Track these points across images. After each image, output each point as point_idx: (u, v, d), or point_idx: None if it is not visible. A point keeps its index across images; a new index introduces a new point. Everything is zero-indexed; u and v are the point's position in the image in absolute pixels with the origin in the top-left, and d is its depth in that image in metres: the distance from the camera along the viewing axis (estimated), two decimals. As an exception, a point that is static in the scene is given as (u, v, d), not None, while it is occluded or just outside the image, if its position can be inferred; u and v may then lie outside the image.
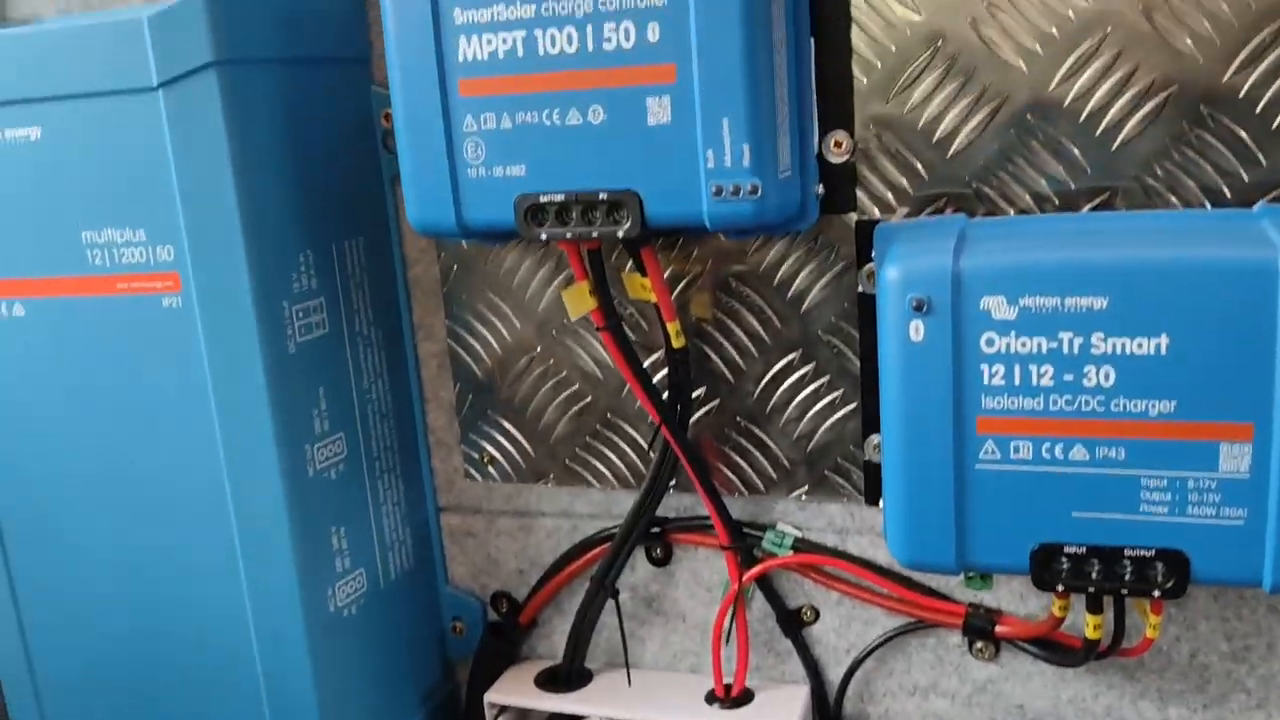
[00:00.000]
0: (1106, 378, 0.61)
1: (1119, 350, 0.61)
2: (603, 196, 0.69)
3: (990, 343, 0.63)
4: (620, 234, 0.69)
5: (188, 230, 0.74)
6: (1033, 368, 0.63)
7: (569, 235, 0.70)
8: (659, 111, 0.67)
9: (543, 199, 0.70)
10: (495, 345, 0.86)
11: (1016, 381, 0.63)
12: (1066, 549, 0.64)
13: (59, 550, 0.83)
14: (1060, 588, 0.65)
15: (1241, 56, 0.65)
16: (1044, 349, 0.62)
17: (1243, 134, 0.66)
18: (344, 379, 0.82)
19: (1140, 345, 0.61)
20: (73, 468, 0.81)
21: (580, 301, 0.76)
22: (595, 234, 0.70)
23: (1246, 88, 0.66)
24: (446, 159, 0.71)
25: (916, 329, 0.64)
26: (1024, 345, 0.62)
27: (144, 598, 0.82)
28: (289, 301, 0.77)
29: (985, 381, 0.63)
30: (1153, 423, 0.61)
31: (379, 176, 0.85)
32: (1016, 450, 0.64)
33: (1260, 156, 0.66)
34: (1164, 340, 0.60)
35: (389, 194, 0.86)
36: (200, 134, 0.72)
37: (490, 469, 0.89)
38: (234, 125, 0.72)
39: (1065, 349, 0.62)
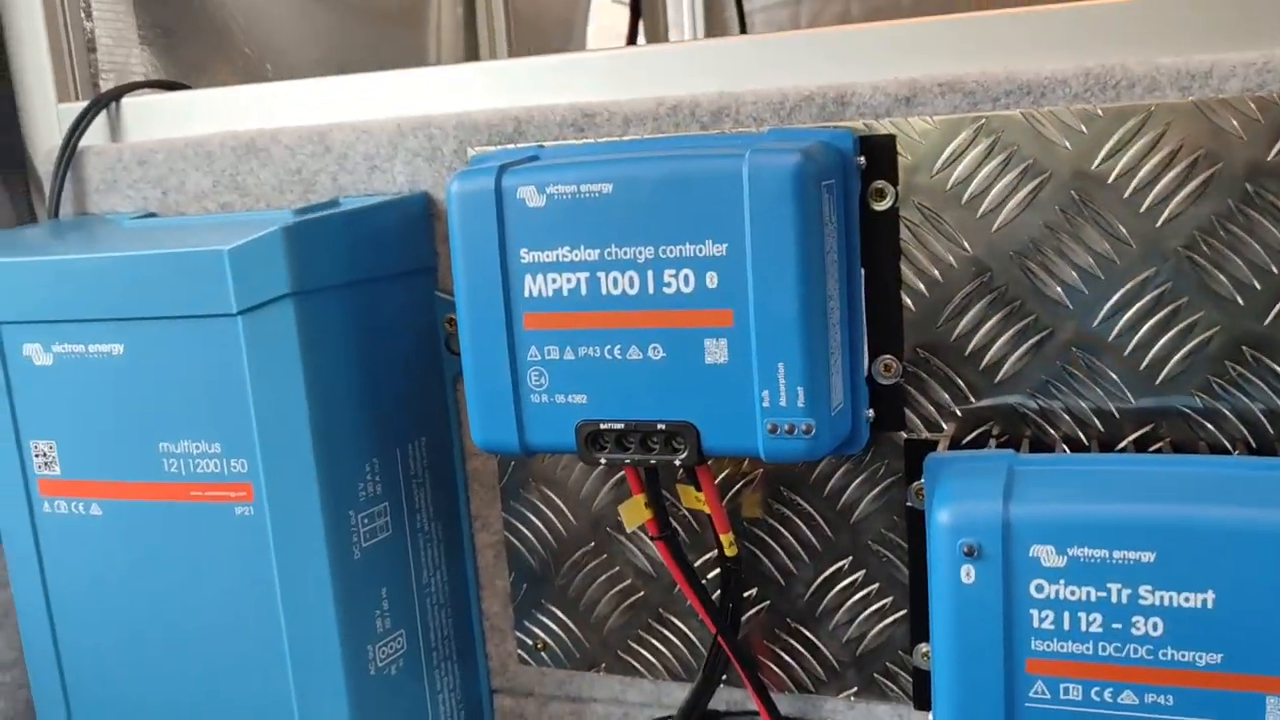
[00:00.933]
0: (1155, 628, 0.63)
1: (1167, 603, 0.63)
2: (661, 427, 0.72)
3: (1040, 589, 0.65)
4: (677, 462, 0.72)
5: (261, 445, 0.77)
6: (1081, 615, 0.64)
7: (628, 461, 0.73)
8: (716, 352, 0.70)
9: (603, 426, 0.73)
10: (550, 537, 0.89)
11: (1066, 627, 0.65)
12: (1116, 789, 0.66)
13: (128, 742, 0.86)
14: (1111, 827, 0.66)
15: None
16: (1092, 597, 0.64)
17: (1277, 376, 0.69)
18: (405, 577, 0.85)
19: (1188, 599, 0.62)
20: (143, 659, 0.84)
21: (636, 514, 0.79)
22: (653, 461, 0.72)
23: (1285, 332, 0.68)
24: (511, 386, 0.74)
25: (968, 573, 0.66)
26: (1073, 593, 0.64)
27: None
28: (355, 510, 0.80)
29: (1035, 625, 0.65)
30: (1201, 673, 0.63)
31: (441, 376, 0.88)
32: (1066, 691, 0.66)
33: (1299, 396, 0.69)
34: (1211, 596, 0.62)
35: (450, 392, 0.89)
36: (276, 356, 0.76)
37: (543, 654, 0.91)
38: (308, 348, 0.76)
39: (1114, 599, 0.64)
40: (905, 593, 0.80)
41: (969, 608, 0.66)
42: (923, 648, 0.80)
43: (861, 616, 0.81)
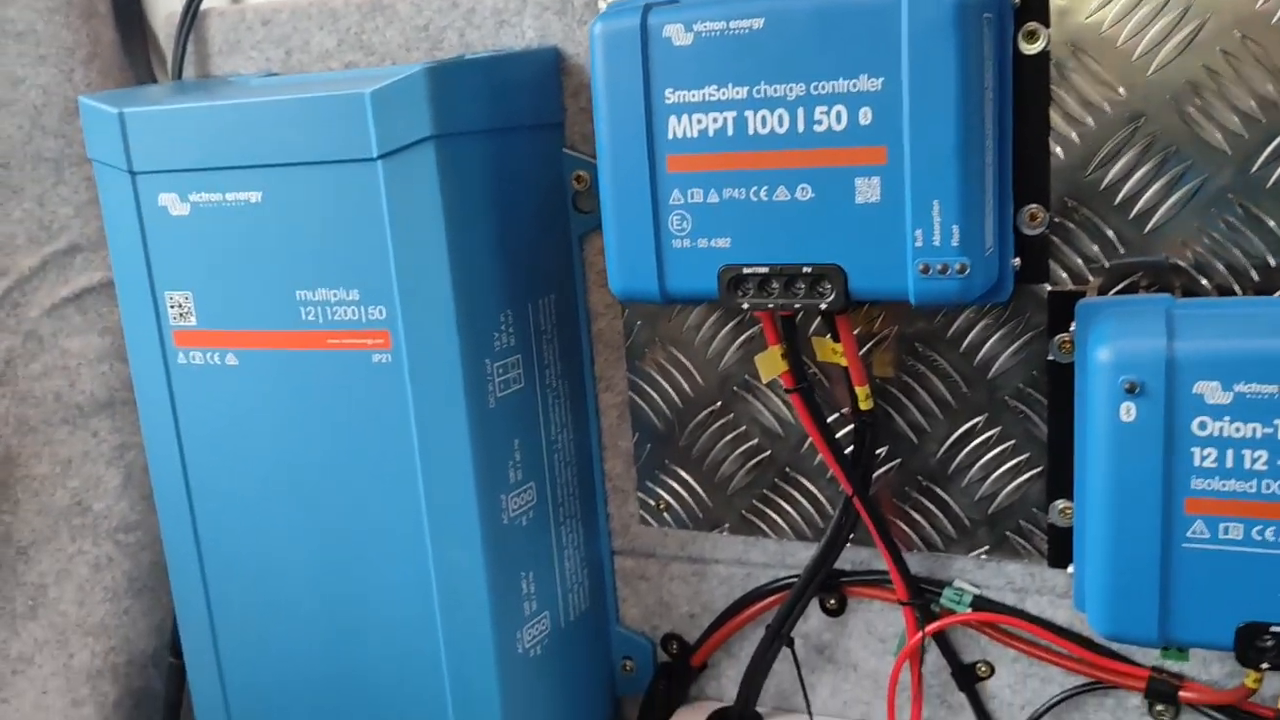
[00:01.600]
0: (1322, 465, 0.62)
1: (1335, 439, 0.62)
2: (807, 270, 0.71)
3: (1203, 426, 0.64)
4: (823, 306, 0.71)
5: (400, 291, 0.78)
6: (1246, 452, 0.63)
7: (771, 306, 0.72)
8: (868, 191, 0.69)
9: (746, 270, 0.72)
10: (675, 397, 0.89)
11: (1228, 465, 0.64)
12: (1273, 628, 0.65)
13: (260, 589, 0.88)
14: (1266, 665, 0.66)
15: None
16: (1258, 434, 0.63)
17: None
18: (535, 431, 0.86)
19: (1356, 436, 0.61)
20: (277, 509, 0.86)
21: (772, 365, 0.79)
22: (798, 305, 0.72)
23: None
24: (652, 231, 0.73)
25: (1128, 410, 0.65)
26: (1238, 430, 0.63)
27: (339, 638, 0.86)
28: (490, 359, 0.80)
29: (1196, 464, 0.64)
30: (1367, 511, 0.62)
31: (568, 235, 0.88)
32: (1225, 531, 0.65)
33: None
34: (1382, 432, 0.61)
35: (577, 252, 0.89)
36: (416, 202, 0.76)
37: (665, 515, 0.92)
38: (448, 193, 0.76)
39: (1280, 436, 0.63)
40: (1042, 450, 0.79)
41: (1128, 447, 0.65)
42: (1059, 504, 0.79)
43: (996, 474, 0.81)
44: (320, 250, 0.79)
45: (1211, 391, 0.63)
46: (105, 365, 0.99)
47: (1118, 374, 0.65)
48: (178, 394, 0.87)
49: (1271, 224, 0.70)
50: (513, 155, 0.82)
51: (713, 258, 0.73)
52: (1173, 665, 0.79)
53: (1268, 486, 0.63)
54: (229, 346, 0.84)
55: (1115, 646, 0.81)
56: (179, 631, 0.93)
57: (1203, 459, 0.64)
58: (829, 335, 0.79)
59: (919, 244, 0.68)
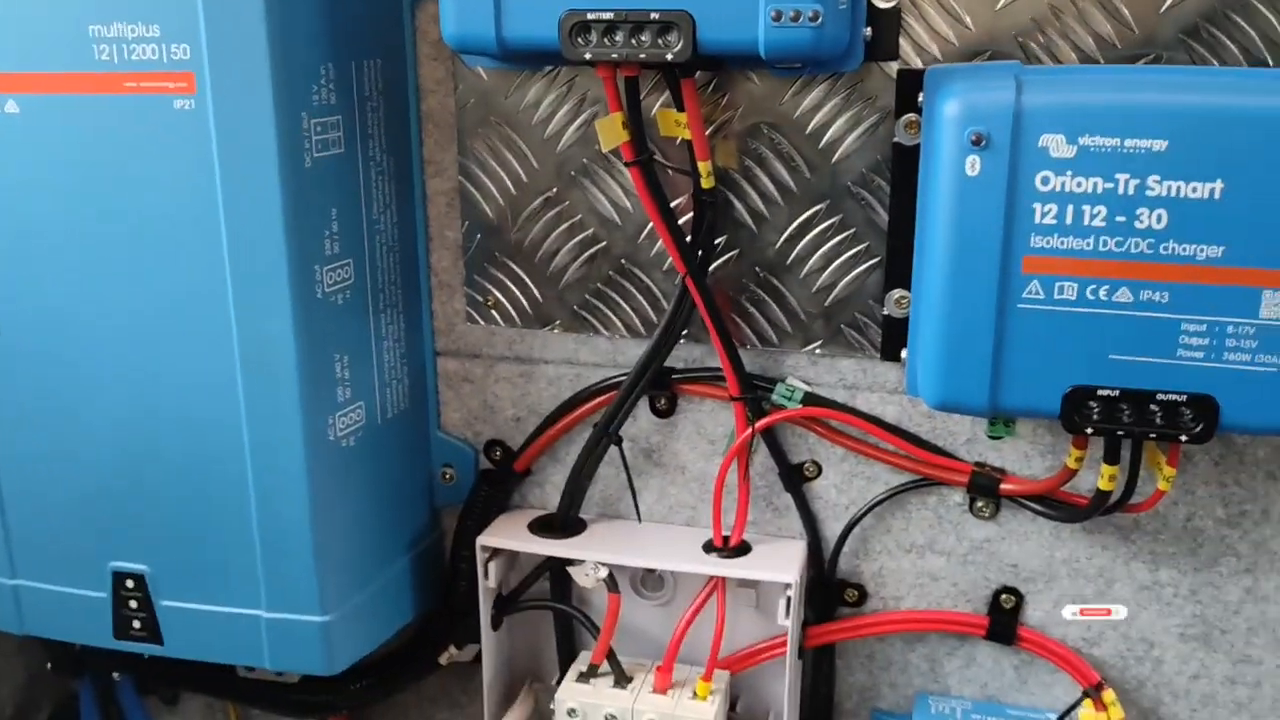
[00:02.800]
0: (1159, 220, 0.62)
1: (1174, 193, 0.62)
2: (654, 16, 0.67)
3: (1045, 181, 0.63)
4: (669, 57, 0.68)
5: (208, 28, 0.70)
6: (1086, 208, 0.63)
7: (615, 56, 0.68)
8: (722, -72, 0.65)
9: (590, 15, 0.68)
10: (509, 184, 0.84)
11: (1068, 221, 0.63)
12: (1100, 391, 0.65)
13: (52, 361, 0.79)
14: (1090, 430, 0.66)
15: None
16: (1099, 189, 0.62)
17: (1292, -1, 0.67)
18: (355, 203, 0.79)
19: (1195, 190, 0.61)
20: (67, 274, 0.77)
21: (613, 133, 0.74)
22: (642, 55, 0.68)
23: (1301, -48, 0.67)
24: (490, -32, 0.68)
25: (973, 164, 0.63)
26: (1079, 185, 0.63)
27: (137, 412, 0.78)
28: (308, 114, 0.74)
29: (1037, 220, 0.64)
30: (1200, 267, 0.62)
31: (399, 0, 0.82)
32: (1061, 290, 0.64)
33: (1307, 23, 0.67)
34: (1219, 186, 0.61)
35: (408, 18, 0.82)
36: (230, -78, 0.68)
37: (494, 312, 0.87)
38: (266, -81, 0.68)
39: (1121, 189, 0.62)
40: (882, 239, 0.78)
41: (971, 202, 0.64)
42: (896, 294, 0.78)
43: (835, 264, 0.79)
44: (117, -26, 0.71)
45: (1056, 144, 0.62)
46: None
47: (964, 126, 0.63)
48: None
49: (1121, 6, 0.70)
50: (342, -107, 0.75)
51: (555, 2, 0.68)
52: (999, 448, 0.79)
53: (1105, 244, 0.63)
54: (8, 91, 0.75)
55: (940, 442, 0.81)
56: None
57: (1044, 215, 0.64)
58: (674, 107, 0.75)
59: (772, -12, 0.65)
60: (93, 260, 0.77)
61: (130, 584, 0.82)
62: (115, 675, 0.99)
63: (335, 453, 0.80)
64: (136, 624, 0.83)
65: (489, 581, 0.87)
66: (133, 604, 0.82)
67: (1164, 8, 0.69)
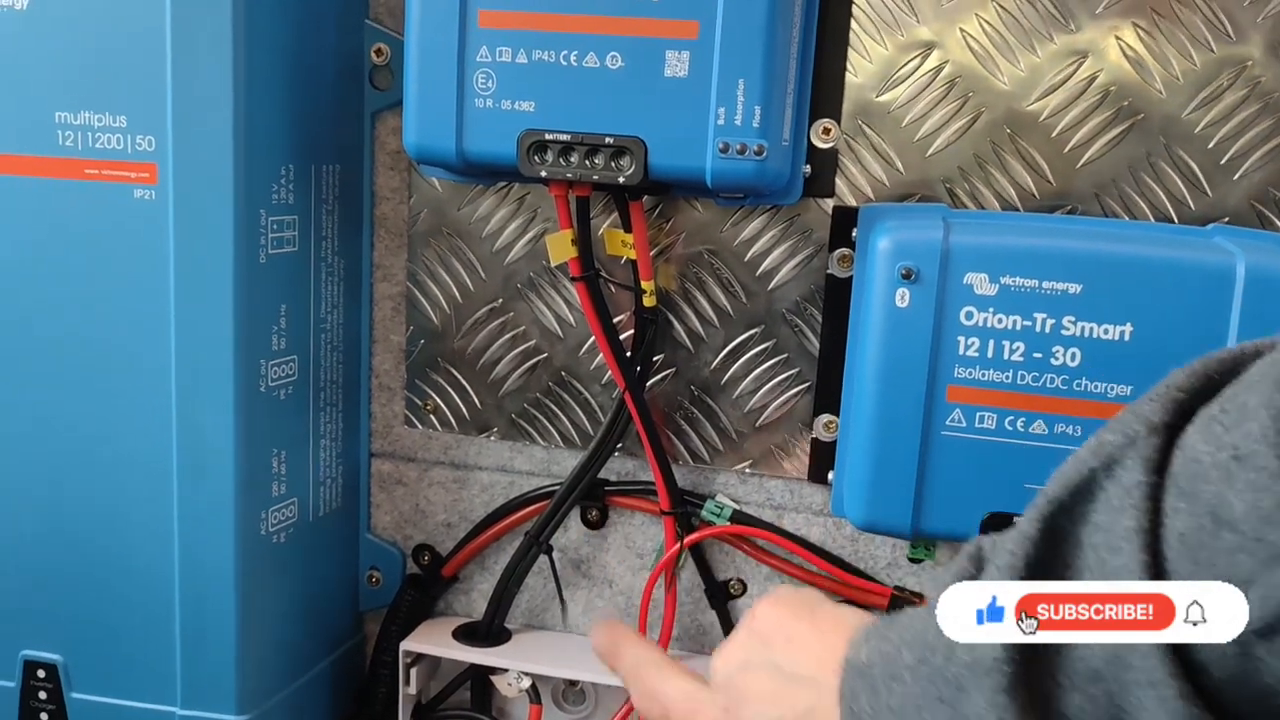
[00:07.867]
0: (1073, 358, 0.66)
1: (1087, 334, 0.66)
2: (609, 140, 0.71)
3: (969, 315, 0.67)
4: (621, 179, 0.71)
5: (175, 121, 0.72)
6: (1006, 343, 0.67)
7: (570, 175, 0.72)
8: (677, 65, 0.69)
9: (548, 136, 0.71)
10: (456, 293, 0.86)
11: (990, 354, 0.67)
12: (1015, 518, 0.68)
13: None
14: (1005, 557, 0.69)
15: (1201, 96, 0.72)
16: (1018, 326, 0.67)
17: (1194, 166, 0.73)
18: (305, 301, 0.81)
19: (1107, 331, 0.66)
20: (9, 353, 0.77)
21: (563, 248, 0.77)
22: (596, 177, 0.72)
23: (1201, 125, 0.73)
24: (456, 87, 0.72)
25: (902, 296, 0.67)
26: (1000, 321, 0.67)
27: (63, 494, 0.78)
28: (266, 211, 0.76)
29: (960, 352, 0.67)
30: (1110, 404, 0.66)
31: (361, 109, 0.85)
32: (981, 420, 0.68)
33: (1208, 188, 0.73)
34: (1129, 329, 0.65)
35: (368, 128, 0.86)
36: (206, 24, 0.71)
37: (432, 417, 0.89)
38: (239, 20, 0.71)
39: (1038, 328, 0.66)
40: (813, 364, 0.81)
41: (899, 332, 0.68)
42: (824, 418, 0.81)
43: (766, 387, 0.82)
44: (89, 68, 0.73)
45: (980, 282, 0.67)
46: None
47: (896, 260, 0.67)
48: (-97, 222, 0.78)
49: (1040, 160, 0.75)
50: (314, 9, 0.78)
51: (515, 121, 0.72)
52: (918, 573, 0.81)
53: (1022, 377, 0.67)
54: (-29, 170, 0.76)
55: (862, 565, 0.83)
56: None
57: (967, 347, 0.67)
58: (621, 228, 0.79)
59: (721, 122, 0.69)
60: (40, 342, 0.77)
61: (41, 674, 0.80)
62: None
63: (266, 548, 0.80)
64: (44, 716, 0.80)
65: (409, 688, 0.86)
66: (42, 695, 0.80)
67: (1079, 164, 0.75)
